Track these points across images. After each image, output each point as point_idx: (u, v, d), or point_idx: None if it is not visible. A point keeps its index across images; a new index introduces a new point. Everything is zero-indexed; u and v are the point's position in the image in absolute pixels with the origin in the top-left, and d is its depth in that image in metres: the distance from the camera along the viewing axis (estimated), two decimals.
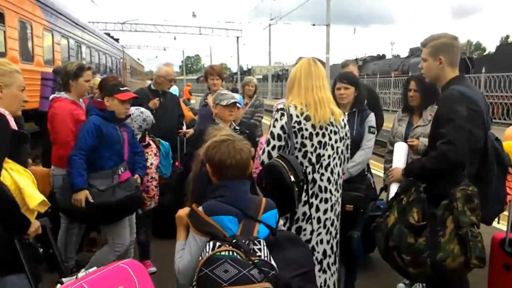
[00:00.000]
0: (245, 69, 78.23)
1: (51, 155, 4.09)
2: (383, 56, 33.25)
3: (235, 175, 2.10)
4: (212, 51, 65.35)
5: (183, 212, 2.12)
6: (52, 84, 6.13)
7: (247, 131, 4.13)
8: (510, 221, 3.10)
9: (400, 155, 3.18)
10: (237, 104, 4.06)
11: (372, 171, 4.30)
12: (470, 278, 2.91)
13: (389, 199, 2.96)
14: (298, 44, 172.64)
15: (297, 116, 2.74)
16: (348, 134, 2.96)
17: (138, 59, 41.45)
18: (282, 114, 2.76)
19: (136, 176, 3.90)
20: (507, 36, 58.00)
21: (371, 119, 3.67)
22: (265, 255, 1.83)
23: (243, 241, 1.84)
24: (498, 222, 3.64)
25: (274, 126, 2.78)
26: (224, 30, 50.68)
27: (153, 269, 4.31)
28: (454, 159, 2.48)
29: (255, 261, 1.76)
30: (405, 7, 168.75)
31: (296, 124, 2.73)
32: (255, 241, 1.88)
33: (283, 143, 2.77)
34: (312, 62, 2.86)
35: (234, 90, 16.13)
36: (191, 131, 5.72)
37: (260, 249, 1.84)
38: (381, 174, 4.24)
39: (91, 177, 3.52)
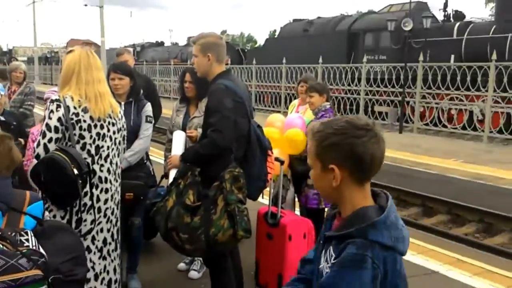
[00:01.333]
0: (5, 49, 69.78)
1: None
2: (162, 43, 33.81)
3: (7, 170, 2.10)
4: None
5: None
6: None
7: (14, 123, 3.90)
8: (270, 196, 3.63)
9: (178, 143, 3.35)
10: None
11: (153, 158, 4.45)
12: (240, 248, 3.31)
13: (168, 183, 3.13)
14: (70, 25, 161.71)
15: (75, 108, 2.69)
16: (125, 126, 3.03)
17: None
18: (59, 106, 2.67)
19: None
20: (275, 30, 65.16)
21: (148, 109, 3.78)
22: (33, 244, 1.86)
23: (9, 233, 1.85)
24: (263, 197, 4.23)
25: (50, 118, 2.67)
26: None
27: None
28: (222, 145, 2.78)
29: (23, 251, 1.79)
30: None
31: (74, 116, 2.69)
32: (22, 232, 1.90)
33: (60, 135, 2.69)
34: (90, 53, 2.84)
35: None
36: None
37: (27, 240, 1.87)
38: (162, 162, 4.41)
39: None
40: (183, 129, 3.78)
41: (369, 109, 15.24)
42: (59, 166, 2.53)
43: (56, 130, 2.67)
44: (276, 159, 3.49)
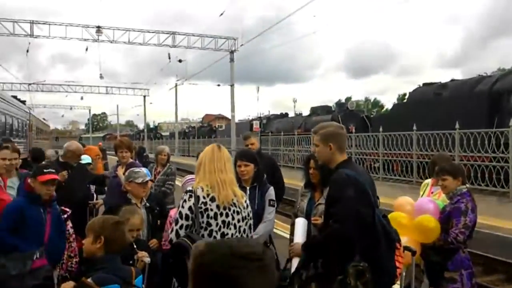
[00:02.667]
0: (152, 126, 78.02)
1: None
2: (286, 115, 34.98)
3: (117, 250, 2.70)
4: (120, 110, 64.92)
5: (68, 286, 2.58)
6: None
7: (157, 208, 4.27)
8: None
9: (300, 231, 3.37)
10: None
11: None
12: None
13: (291, 273, 3.11)
14: (205, 102, 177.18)
15: (204, 197, 2.94)
16: (251, 215, 3.15)
17: (44, 119, 40.72)
18: (190, 196, 2.97)
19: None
20: (404, 94, 63.61)
21: (271, 193, 3.98)
22: None
23: None
24: None
25: (182, 207, 2.97)
26: (131, 90, 51.22)
27: None
28: (344, 237, 2.70)
29: None
30: (306, 66, 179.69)
31: (202, 205, 2.93)
32: None
33: (190, 222, 2.95)
34: (215, 147, 3.12)
35: (142, 150, 15.99)
36: (100, 202, 5.78)
37: None
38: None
39: (5, 257, 3.49)
40: (307, 214, 3.79)
41: None
42: (183, 251, 2.75)
43: (187, 218, 2.93)
44: (406, 248, 3.25)
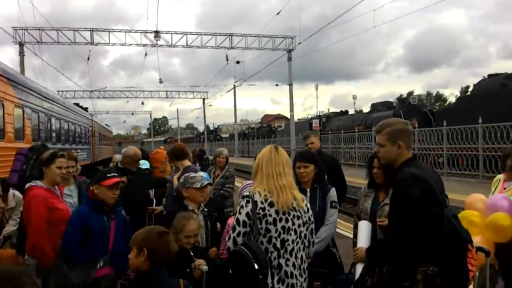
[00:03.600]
0: (211, 128, 79.26)
1: (25, 243, 4.00)
2: (346, 112, 34.32)
3: (163, 262, 2.63)
4: (180, 113, 66.60)
5: None
6: (23, 158, 6.16)
7: (215, 214, 4.22)
8: None
9: (364, 234, 3.27)
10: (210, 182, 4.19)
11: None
12: None
13: (355, 279, 3.05)
14: (265, 102, 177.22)
15: (262, 203, 2.83)
16: (312, 219, 3.03)
17: (107, 124, 42.11)
18: (248, 201, 2.86)
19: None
20: (467, 87, 60.78)
21: (333, 194, 3.85)
22: None
23: None
24: None
25: (240, 213, 2.86)
26: (190, 93, 52.22)
27: None
28: (409, 241, 2.57)
29: None
30: (366, 62, 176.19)
31: (260, 211, 2.82)
32: None
33: (248, 229, 2.84)
34: (273, 149, 3.02)
35: (202, 152, 16.31)
36: (160, 208, 5.83)
37: None
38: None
39: (68, 266, 3.41)
40: (372, 215, 3.67)
41: None
42: (242, 260, 2.69)
43: (244, 224, 2.84)
44: (480, 248, 3.14)
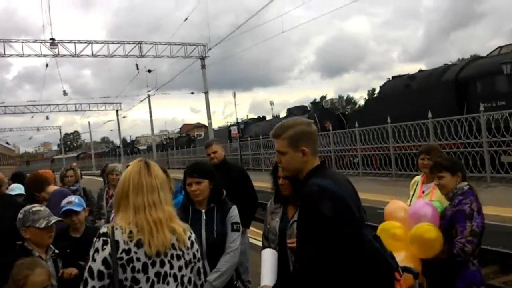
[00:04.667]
0: (129, 141, 76.50)
1: None
2: (264, 118, 34.80)
3: None
4: (92, 127, 63.62)
5: None
6: None
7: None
8: None
9: (268, 267, 2.74)
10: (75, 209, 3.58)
11: None
12: None
13: None
14: (183, 111, 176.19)
15: (125, 243, 2.06)
16: (198, 255, 2.28)
17: (7, 143, 38.76)
18: (105, 242, 2.06)
19: None
20: (373, 89, 63.95)
21: (234, 213, 3.23)
22: None
23: None
24: None
25: (94, 260, 2.05)
26: (101, 105, 49.83)
27: None
28: (321, 271, 2.09)
29: None
30: (281, 68, 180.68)
31: (124, 254, 2.04)
32: None
33: (106, 282, 2.04)
34: (143, 168, 2.21)
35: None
36: None
37: None
38: None
39: None
40: (281, 235, 3.07)
41: (496, 161, 13.50)
42: None
43: (101, 276, 2.03)
44: (406, 269, 2.63)
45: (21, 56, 27.56)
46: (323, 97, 51.28)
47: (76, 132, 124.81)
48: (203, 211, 3.17)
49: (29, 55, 27.64)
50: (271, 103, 48.96)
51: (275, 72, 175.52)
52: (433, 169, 3.51)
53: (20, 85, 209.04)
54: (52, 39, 26.27)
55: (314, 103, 26.89)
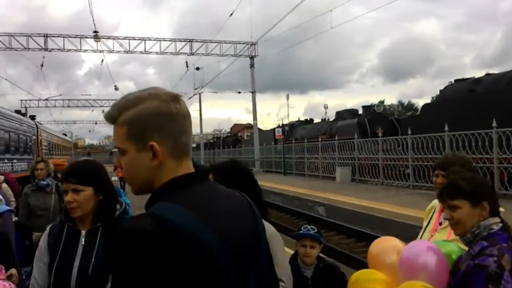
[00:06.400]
0: None
1: None
2: (311, 121, 33.67)
3: None
4: None
5: None
6: None
7: None
8: None
9: None
10: None
11: None
12: None
13: None
14: (239, 112, 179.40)
15: None
16: None
17: (64, 134, 39.91)
18: None
19: None
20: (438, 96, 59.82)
21: None
22: None
23: None
24: None
25: None
26: None
27: None
28: None
29: None
30: (338, 75, 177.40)
31: None
32: None
33: None
34: None
35: None
36: None
37: None
38: None
39: None
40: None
41: None
42: None
43: None
44: None
45: (78, 51, 29.23)
46: (381, 102, 48.52)
47: None
48: (83, 233, 2.11)
49: (86, 50, 29.04)
50: (325, 106, 47.12)
51: (335, 75, 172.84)
52: (443, 193, 2.02)
53: (91, 81, 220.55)
54: (95, 31, 26.82)
55: (365, 106, 24.81)
